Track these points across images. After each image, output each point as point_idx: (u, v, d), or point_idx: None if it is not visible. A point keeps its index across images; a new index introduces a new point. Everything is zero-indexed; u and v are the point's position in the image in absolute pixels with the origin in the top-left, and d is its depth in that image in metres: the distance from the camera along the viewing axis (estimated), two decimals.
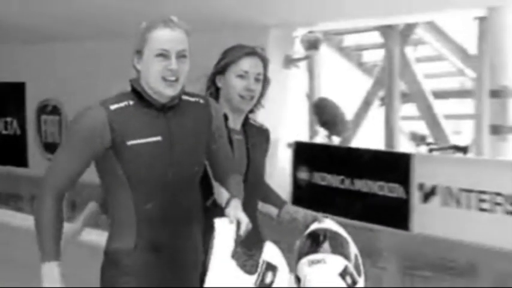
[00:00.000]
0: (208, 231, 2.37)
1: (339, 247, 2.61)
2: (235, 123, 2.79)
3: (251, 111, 2.87)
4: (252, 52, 2.77)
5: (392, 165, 8.35)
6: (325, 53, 13.07)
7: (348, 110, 11.73)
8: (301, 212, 2.89)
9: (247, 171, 2.78)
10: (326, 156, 8.94)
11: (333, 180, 8.21)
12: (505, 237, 6.86)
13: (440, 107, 12.10)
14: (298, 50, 10.29)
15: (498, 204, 7.10)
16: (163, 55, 2.30)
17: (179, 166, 2.37)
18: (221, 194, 2.52)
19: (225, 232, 2.23)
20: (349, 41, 14.11)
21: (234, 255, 2.16)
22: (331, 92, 11.98)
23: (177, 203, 2.40)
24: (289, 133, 9.44)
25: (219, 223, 2.26)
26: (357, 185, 8.24)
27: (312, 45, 11.00)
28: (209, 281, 2.14)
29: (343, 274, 2.52)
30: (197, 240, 2.49)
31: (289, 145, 9.05)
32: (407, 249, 7.59)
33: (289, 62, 9.18)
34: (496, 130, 8.97)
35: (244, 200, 2.52)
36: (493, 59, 9.35)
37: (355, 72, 14.47)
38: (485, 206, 7.21)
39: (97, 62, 10.42)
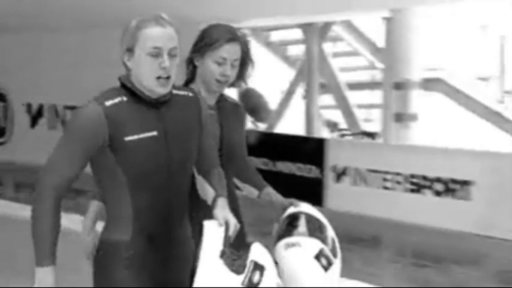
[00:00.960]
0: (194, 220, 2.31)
1: (314, 230, 2.48)
2: (210, 99, 2.67)
3: (232, 85, 2.78)
4: (232, 38, 2.60)
5: (309, 149, 8.52)
6: (254, 47, 13.15)
7: (274, 99, 11.90)
8: (280, 196, 2.74)
9: (221, 146, 2.67)
10: (251, 141, 9.08)
11: (257, 161, 8.33)
12: (405, 212, 7.15)
13: (354, 97, 12.39)
14: None
15: (398, 183, 7.35)
16: (156, 53, 2.14)
17: (175, 160, 2.24)
18: (205, 190, 2.36)
19: (213, 233, 2.12)
20: (275, 36, 14.23)
21: (222, 256, 2.06)
22: (258, 82, 12.07)
23: (173, 196, 2.26)
24: None
25: (208, 225, 2.15)
26: (278, 167, 8.52)
27: None
28: (198, 280, 2.03)
29: (319, 256, 2.40)
30: (189, 232, 2.35)
31: None
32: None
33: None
34: (400, 118, 9.27)
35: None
36: (397, 54, 9.60)
37: (281, 65, 14.63)
38: (388, 184, 7.45)
39: (40, 52, 10.41)
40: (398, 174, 7.39)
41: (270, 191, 2.78)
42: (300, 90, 13.03)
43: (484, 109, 13.26)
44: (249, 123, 11.10)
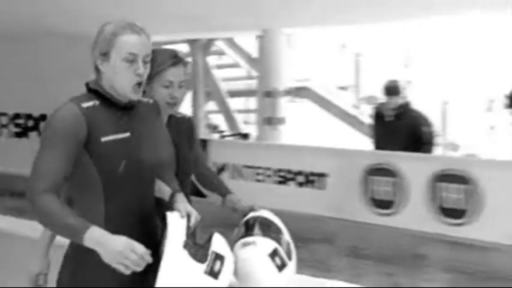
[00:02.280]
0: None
1: (269, 231, 2.32)
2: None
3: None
4: (176, 62, 2.45)
5: None
6: None
7: None
8: (242, 202, 2.55)
9: (177, 161, 2.48)
10: None
11: None
12: (274, 200, 7.30)
13: (234, 104, 12.73)
14: None
15: (269, 176, 7.48)
16: (131, 59, 1.98)
17: (145, 160, 2.07)
18: (160, 188, 2.19)
19: (176, 225, 1.99)
20: None
21: (186, 246, 1.94)
22: None
23: (143, 196, 2.09)
24: None
25: (171, 216, 2.03)
26: None
27: None
28: (163, 269, 1.91)
29: (273, 255, 2.24)
30: (156, 231, 2.15)
31: None
32: (205, 211, 7.82)
33: None
34: (270, 121, 9.58)
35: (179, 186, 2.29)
36: (268, 67, 9.88)
37: None
38: (260, 178, 7.56)
39: None
40: (268, 168, 7.47)
41: (233, 198, 2.61)
42: (187, 98, 13.20)
43: (343, 113, 14.03)
44: None
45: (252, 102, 12.18)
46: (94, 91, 2.04)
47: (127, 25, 2.00)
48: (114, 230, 1.92)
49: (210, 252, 1.99)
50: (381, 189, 6.58)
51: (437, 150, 7.54)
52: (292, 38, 16.05)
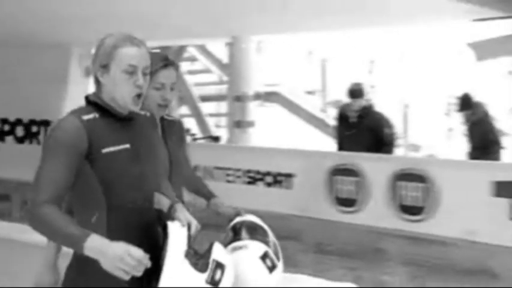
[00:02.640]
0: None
1: (257, 235, 2.30)
2: None
3: None
4: (167, 64, 2.41)
5: None
6: None
7: None
8: (227, 207, 2.54)
9: (170, 163, 2.48)
10: None
11: None
12: (244, 200, 7.32)
13: (206, 108, 12.77)
14: None
15: (238, 177, 7.54)
16: (131, 70, 1.95)
17: (145, 171, 2.04)
18: (159, 199, 2.14)
19: (177, 234, 1.95)
20: None
21: (187, 255, 1.90)
22: None
23: (144, 206, 2.05)
24: None
25: (172, 226, 1.98)
26: None
27: None
28: (164, 278, 1.86)
29: (264, 258, 2.23)
30: (158, 241, 2.07)
31: None
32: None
33: (89, 72, 9.26)
34: (239, 125, 9.64)
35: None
36: (238, 73, 9.94)
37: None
38: (230, 178, 7.60)
39: None
40: (238, 170, 7.55)
41: (217, 202, 2.59)
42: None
43: (311, 117, 14.18)
44: None
45: (223, 107, 12.21)
46: (93, 103, 2.00)
47: (127, 38, 1.98)
48: (117, 236, 1.88)
49: (210, 260, 1.95)
50: (344, 188, 6.72)
51: (399, 151, 7.68)
52: (261, 44, 16.22)
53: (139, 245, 1.89)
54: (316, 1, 6.87)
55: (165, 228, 2.01)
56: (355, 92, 6.54)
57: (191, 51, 13.53)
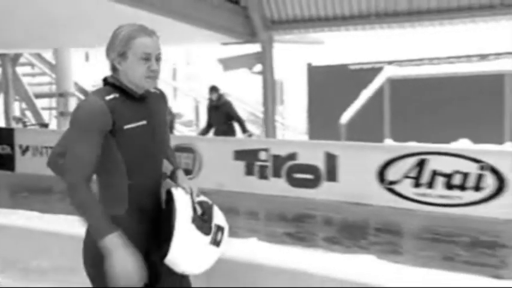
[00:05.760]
0: None
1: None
2: None
3: None
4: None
5: (5, 135, 8.30)
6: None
7: None
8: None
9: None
10: None
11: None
12: None
13: (40, 103, 12.55)
14: None
15: None
16: (146, 57, 1.78)
17: (159, 144, 1.90)
18: (164, 164, 1.95)
19: (183, 201, 1.80)
20: None
21: (194, 221, 1.77)
22: None
23: (157, 174, 1.89)
24: None
25: (177, 193, 1.83)
26: None
27: None
28: (176, 241, 1.72)
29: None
30: (160, 199, 1.93)
31: None
32: (12, 184, 7.63)
33: None
34: (62, 114, 9.78)
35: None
36: (60, 75, 9.91)
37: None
38: None
39: None
40: None
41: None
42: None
43: None
44: None
45: (54, 102, 12.16)
46: (112, 85, 1.82)
47: (141, 28, 1.81)
48: (136, 201, 1.81)
49: (213, 225, 1.83)
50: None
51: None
52: (89, 54, 16.21)
53: (152, 203, 1.84)
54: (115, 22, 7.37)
55: (168, 193, 1.85)
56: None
57: (27, 56, 13.16)
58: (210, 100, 7.66)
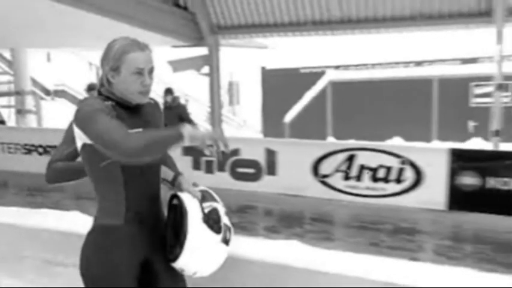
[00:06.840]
0: None
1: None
2: None
3: None
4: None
5: None
6: None
7: None
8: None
9: None
10: None
11: None
12: (24, 166, 7.03)
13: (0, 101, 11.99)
14: None
15: (18, 148, 7.31)
16: (139, 72, 1.68)
17: None
18: (164, 171, 1.85)
19: (192, 204, 1.75)
20: None
21: (205, 221, 1.73)
22: None
23: (154, 182, 1.78)
24: None
25: (185, 197, 1.77)
26: None
27: None
28: (190, 241, 1.68)
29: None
30: (162, 206, 1.85)
31: None
32: None
33: None
34: (20, 112, 9.44)
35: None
36: (18, 74, 9.63)
37: None
38: (12, 150, 7.34)
39: None
40: (17, 144, 7.37)
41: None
42: None
43: None
44: None
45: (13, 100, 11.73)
46: (106, 96, 1.71)
47: (134, 43, 1.70)
48: (134, 209, 1.72)
49: (222, 224, 1.79)
50: None
51: None
52: (51, 54, 15.74)
53: (150, 210, 1.76)
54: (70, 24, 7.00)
55: (172, 199, 1.79)
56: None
57: None
58: (165, 102, 7.61)
